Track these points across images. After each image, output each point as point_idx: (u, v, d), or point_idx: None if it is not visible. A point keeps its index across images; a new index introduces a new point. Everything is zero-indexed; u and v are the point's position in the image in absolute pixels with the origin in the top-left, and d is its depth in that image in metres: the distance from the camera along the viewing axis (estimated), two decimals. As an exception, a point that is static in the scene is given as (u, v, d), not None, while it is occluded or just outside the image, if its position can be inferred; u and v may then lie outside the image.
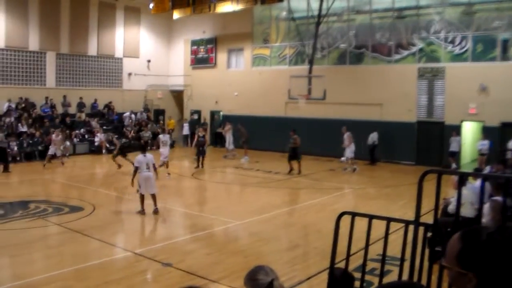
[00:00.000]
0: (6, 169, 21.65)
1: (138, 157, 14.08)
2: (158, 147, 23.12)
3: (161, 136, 22.32)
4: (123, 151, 22.30)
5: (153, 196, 13.98)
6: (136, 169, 13.91)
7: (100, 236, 11.66)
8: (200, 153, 22.73)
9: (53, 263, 9.72)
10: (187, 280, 8.72)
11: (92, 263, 9.78)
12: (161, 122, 34.05)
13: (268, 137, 29.21)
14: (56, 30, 29.82)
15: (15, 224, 12.73)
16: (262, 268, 2.92)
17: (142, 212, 13.84)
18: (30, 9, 28.55)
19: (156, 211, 13.88)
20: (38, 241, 11.37)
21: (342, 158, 23.43)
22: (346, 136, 22.67)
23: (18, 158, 24.65)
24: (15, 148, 24.60)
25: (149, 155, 14.24)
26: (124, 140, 29.36)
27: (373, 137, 24.89)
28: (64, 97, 29.70)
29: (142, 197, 13.92)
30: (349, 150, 22.60)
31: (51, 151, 23.46)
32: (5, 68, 27.76)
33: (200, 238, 11.87)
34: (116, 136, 27.54)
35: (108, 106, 32.26)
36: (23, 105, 27.86)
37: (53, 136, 24.19)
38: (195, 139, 23.21)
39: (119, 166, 21.58)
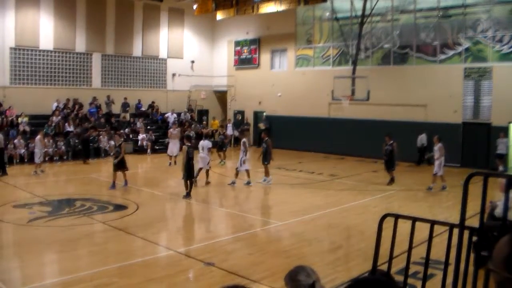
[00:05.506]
0: (3, 173, 20.32)
1: None
2: None
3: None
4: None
5: None
6: None
7: (143, 234, 11.83)
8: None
9: (98, 260, 9.90)
10: (229, 279, 8.74)
11: (135, 261, 9.93)
12: (204, 122, 34.28)
13: (311, 138, 29.14)
14: (102, 32, 30.42)
15: (62, 221, 13.04)
16: (304, 268, 2.87)
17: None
18: (77, 12, 29.20)
19: None
20: (84, 238, 11.60)
21: None
22: (438, 147, 18.42)
23: (65, 157, 25.23)
24: (63, 147, 25.21)
25: None
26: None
27: (422, 138, 24.64)
28: (108, 97, 30.13)
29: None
30: (439, 164, 18.17)
31: (36, 157, 20.85)
32: (53, 69, 28.47)
33: (242, 238, 11.91)
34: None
35: (152, 106, 32.68)
36: (74, 105, 28.43)
37: (37, 138, 21.21)
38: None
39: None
